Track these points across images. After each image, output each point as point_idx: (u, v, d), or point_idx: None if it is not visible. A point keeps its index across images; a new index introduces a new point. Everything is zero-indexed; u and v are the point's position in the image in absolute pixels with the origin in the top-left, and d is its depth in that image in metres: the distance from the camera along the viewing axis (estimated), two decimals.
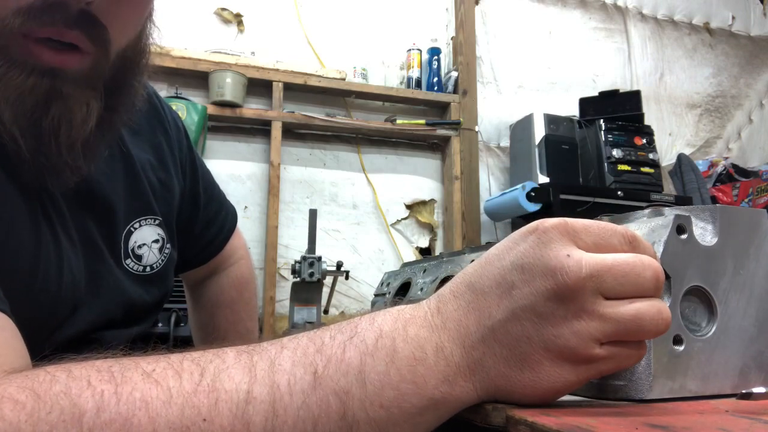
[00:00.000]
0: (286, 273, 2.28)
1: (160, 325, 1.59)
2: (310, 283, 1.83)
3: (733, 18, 3.25)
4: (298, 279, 2.22)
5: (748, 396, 0.37)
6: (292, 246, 2.36)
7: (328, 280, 1.85)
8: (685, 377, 0.41)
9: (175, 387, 0.33)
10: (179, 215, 0.75)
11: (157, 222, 0.68)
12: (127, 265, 0.64)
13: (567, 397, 0.42)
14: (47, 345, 0.49)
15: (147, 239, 0.66)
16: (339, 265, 2.24)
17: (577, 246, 0.36)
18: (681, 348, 0.41)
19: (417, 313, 0.38)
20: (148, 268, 0.67)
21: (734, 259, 0.45)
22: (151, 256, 0.67)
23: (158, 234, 0.68)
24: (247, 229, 2.35)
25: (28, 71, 0.46)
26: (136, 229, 0.65)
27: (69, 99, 0.48)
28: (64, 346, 0.52)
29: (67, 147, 0.49)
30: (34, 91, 0.46)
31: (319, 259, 2.21)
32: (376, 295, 0.90)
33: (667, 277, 0.42)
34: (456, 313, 0.37)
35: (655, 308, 0.35)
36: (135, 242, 0.65)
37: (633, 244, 0.37)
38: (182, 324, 1.63)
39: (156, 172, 0.69)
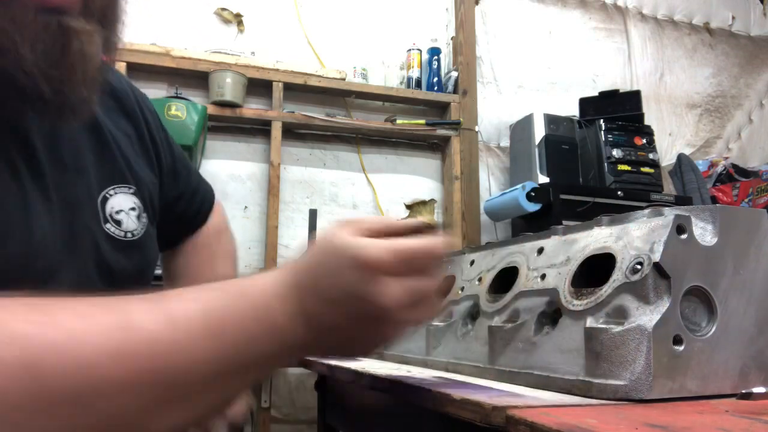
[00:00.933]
0: None
1: None
2: None
3: (733, 18, 3.25)
4: None
5: (748, 396, 0.37)
6: (292, 246, 2.36)
7: None
8: (685, 377, 0.41)
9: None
10: (161, 190, 0.75)
11: (132, 191, 0.67)
12: (108, 229, 0.63)
13: (567, 398, 0.42)
14: None
15: (124, 206, 0.66)
16: None
17: (390, 276, 0.45)
18: (681, 348, 0.41)
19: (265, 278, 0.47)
20: (129, 234, 0.66)
21: (734, 259, 0.45)
22: (131, 222, 0.66)
23: (134, 203, 0.67)
24: (247, 229, 2.35)
25: (36, 10, 0.47)
26: (111, 195, 0.64)
27: (81, 34, 0.49)
28: None
29: (84, 81, 0.51)
30: (48, 29, 0.47)
31: None
32: None
33: (667, 276, 0.42)
34: (294, 277, 0.46)
35: (430, 285, 0.47)
36: (112, 207, 0.64)
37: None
38: None
39: (133, 145, 0.69)
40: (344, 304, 0.45)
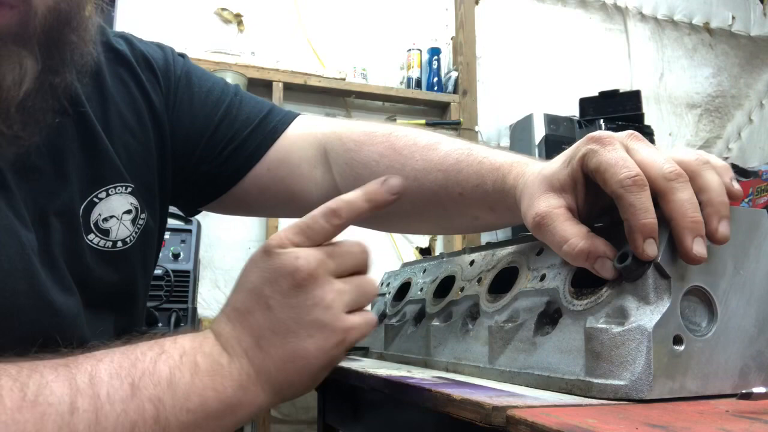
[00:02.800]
0: None
1: (160, 325, 1.59)
2: None
3: (733, 18, 3.25)
4: None
5: (748, 396, 0.37)
6: None
7: None
8: (685, 377, 0.41)
9: None
10: (190, 152, 0.69)
11: (129, 190, 0.61)
12: (90, 240, 0.58)
13: (567, 398, 0.42)
14: (8, 336, 0.47)
15: (116, 210, 0.60)
16: None
17: (299, 247, 0.45)
18: (681, 348, 0.41)
19: (206, 336, 0.45)
20: (119, 243, 0.60)
21: (734, 259, 0.45)
22: (122, 229, 0.61)
23: (130, 203, 0.61)
24: (247, 229, 2.35)
25: None
26: (101, 199, 0.59)
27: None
28: (31, 339, 0.48)
29: (1, 114, 0.46)
30: None
31: None
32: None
33: (667, 277, 0.42)
34: (233, 332, 0.45)
35: (368, 281, 0.47)
36: (100, 214, 0.59)
37: (337, 214, 0.46)
38: (182, 324, 1.63)
39: (131, 130, 0.63)
40: (265, 297, 0.44)
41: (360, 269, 0.47)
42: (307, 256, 0.44)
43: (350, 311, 0.45)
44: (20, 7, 0.46)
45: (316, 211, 0.46)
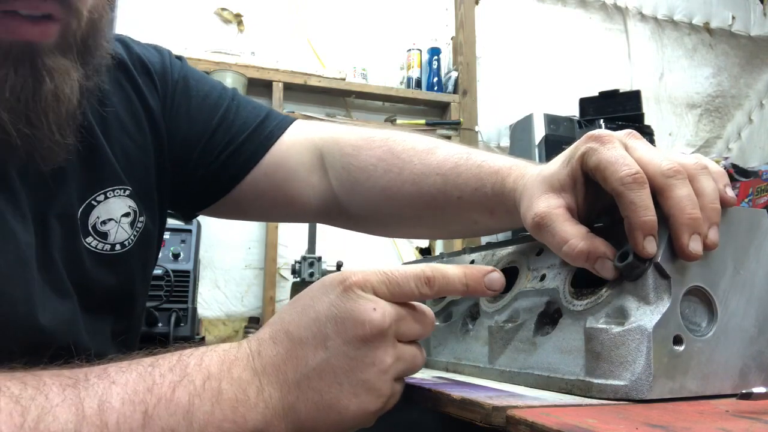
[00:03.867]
0: (286, 273, 2.28)
1: (160, 324, 1.59)
2: (311, 284, 1.83)
3: (733, 18, 3.25)
4: (298, 279, 2.22)
5: (748, 396, 0.37)
6: (292, 246, 2.36)
7: None
8: (685, 377, 0.41)
9: None
10: (186, 156, 0.69)
11: (127, 193, 0.61)
12: (89, 243, 0.58)
13: (567, 398, 0.42)
14: (3, 340, 0.46)
15: (114, 213, 0.60)
16: (339, 265, 2.24)
17: (378, 296, 0.41)
18: (681, 348, 0.41)
19: (241, 354, 0.41)
20: (117, 246, 0.60)
21: (734, 259, 0.45)
22: (121, 232, 0.61)
23: (129, 206, 0.61)
24: (247, 229, 2.35)
25: (6, 51, 0.44)
26: (99, 202, 0.59)
27: (54, 73, 0.46)
28: (26, 343, 0.48)
29: (57, 125, 0.48)
30: (19, 70, 0.44)
31: (319, 259, 2.21)
32: None
33: (668, 277, 0.42)
34: (275, 358, 0.41)
35: (422, 355, 0.45)
36: (98, 218, 0.59)
37: (430, 283, 0.43)
38: (182, 324, 1.63)
39: (129, 134, 0.63)
40: (324, 336, 0.40)
41: (422, 337, 0.45)
42: (383, 311, 0.41)
43: (397, 378, 0.43)
44: (65, 19, 0.47)
45: (410, 272, 0.43)
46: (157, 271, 1.63)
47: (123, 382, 0.37)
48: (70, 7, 0.46)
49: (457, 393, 0.41)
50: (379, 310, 0.40)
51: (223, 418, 0.38)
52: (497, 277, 0.45)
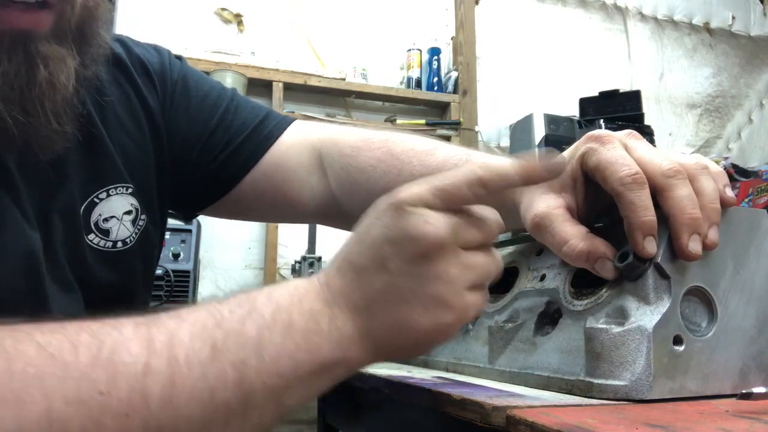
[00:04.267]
0: (286, 273, 2.28)
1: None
2: None
3: (733, 18, 3.25)
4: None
5: (748, 396, 0.37)
6: (292, 246, 2.36)
7: None
8: (685, 377, 0.41)
9: (72, 361, 0.33)
10: (186, 157, 0.68)
11: (129, 191, 0.61)
12: (91, 240, 0.58)
13: (567, 398, 0.42)
14: None
15: (117, 211, 0.60)
16: None
17: (431, 209, 0.39)
18: (681, 348, 0.41)
19: (311, 287, 0.41)
20: (119, 243, 0.60)
21: (734, 259, 0.45)
22: (122, 230, 0.61)
23: (131, 204, 0.62)
24: (247, 229, 2.35)
25: None
26: (102, 199, 0.59)
27: (48, 60, 0.46)
28: None
29: (54, 113, 0.47)
30: (13, 58, 0.44)
31: (319, 259, 2.21)
32: None
33: (668, 277, 0.42)
34: (343, 287, 0.40)
35: (495, 258, 0.42)
36: (100, 215, 0.59)
37: (485, 184, 0.40)
38: None
39: (129, 133, 0.63)
40: (383, 259, 0.39)
41: (488, 242, 0.42)
42: (437, 223, 0.39)
43: (471, 288, 0.41)
44: (59, 5, 0.46)
45: (460, 176, 0.40)
46: (157, 271, 1.63)
47: (192, 320, 0.37)
48: None
49: (457, 393, 0.41)
50: (432, 222, 0.39)
51: (295, 348, 0.37)
52: (561, 157, 0.41)
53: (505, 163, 0.41)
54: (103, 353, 0.34)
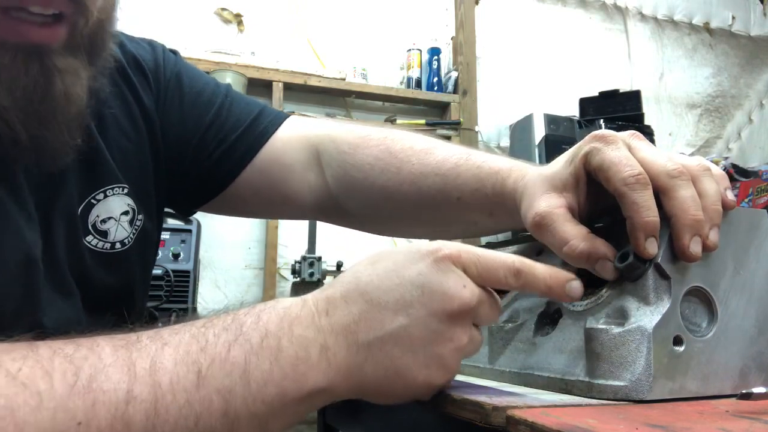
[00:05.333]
0: (286, 273, 2.28)
1: (160, 325, 1.59)
2: (310, 283, 1.84)
3: (733, 18, 3.25)
4: (298, 279, 2.22)
5: (748, 396, 0.37)
6: (292, 246, 2.36)
7: (329, 280, 1.86)
8: (685, 378, 0.41)
9: (46, 390, 0.31)
10: (181, 154, 0.69)
11: (125, 191, 0.61)
12: (89, 242, 0.58)
13: (567, 398, 0.42)
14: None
15: (114, 212, 0.60)
16: (339, 265, 2.24)
17: (467, 275, 0.40)
18: (681, 349, 0.41)
19: (303, 312, 0.39)
20: (117, 245, 0.60)
21: (734, 260, 0.45)
22: (120, 231, 0.60)
23: (127, 205, 0.61)
24: (247, 229, 2.35)
25: (14, 51, 0.44)
26: (99, 201, 0.59)
27: (65, 74, 0.46)
28: None
29: (66, 125, 0.48)
30: (29, 72, 0.44)
31: (319, 259, 2.21)
32: None
33: (668, 277, 0.42)
34: (345, 318, 0.39)
35: (481, 341, 0.44)
36: (98, 216, 0.59)
37: (518, 276, 0.42)
38: None
39: (125, 133, 0.63)
40: (407, 303, 0.38)
41: (487, 325, 0.45)
42: (472, 291, 0.40)
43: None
44: (72, 18, 0.46)
45: (500, 260, 0.42)
46: (157, 271, 1.63)
47: (175, 343, 0.36)
48: (80, 5, 0.46)
49: (457, 393, 0.41)
50: (469, 289, 0.40)
51: (282, 376, 0.37)
52: (577, 286, 0.43)
53: (542, 268, 0.43)
54: (81, 380, 0.32)
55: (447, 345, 0.39)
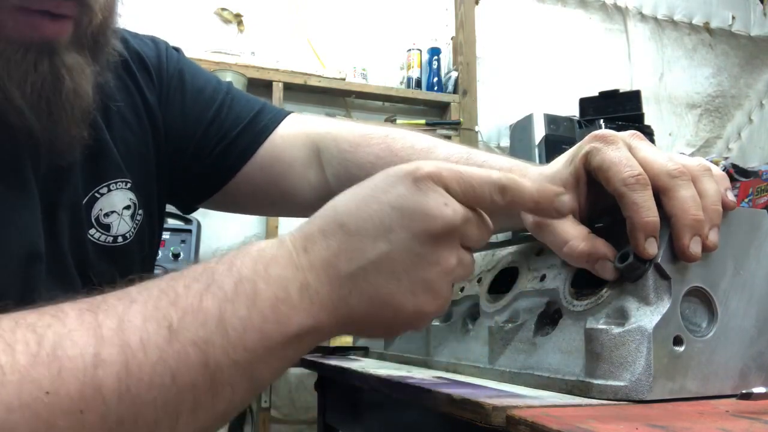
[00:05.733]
0: None
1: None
2: None
3: (733, 18, 3.25)
4: None
5: (748, 396, 0.37)
6: None
7: None
8: (685, 378, 0.41)
9: (8, 362, 0.30)
10: (182, 150, 0.69)
11: (128, 186, 0.62)
12: (92, 235, 0.58)
13: (567, 398, 0.42)
14: None
15: (117, 206, 0.60)
16: None
17: (449, 193, 0.38)
18: (681, 349, 0.41)
19: (280, 252, 0.38)
20: (119, 238, 0.60)
21: (734, 260, 0.45)
22: (122, 225, 0.61)
23: (129, 199, 0.62)
24: (247, 229, 2.35)
25: (25, 48, 0.45)
26: (102, 194, 0.59)
27: (72, 71, 0.47)
28: None
29: (75, 120, 0.49)
30: (38, 69, 0.45)
31: None
32: None
33: (668, 277, 0.42)
34: (326, 252, 0.38)
35: (473, 263, 0.42)
36: (101, 210, 0.59)
37: (504, 192, 0.40)
38: None
39: (130, 127, 0.64)
40: (386, 228, 0.37)
41: (479, 245, 0.42)
42: (455, 209, 0.38)
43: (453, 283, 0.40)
44: (78, 16, 0.47)
45: (486, 177, 0.40)
46: (157, 272, 1.62)
47: (143, 300, 0.34)
48: (85, 5, 0.47)
49: (457, 393, 0.41)
50: (451, 207, 0.38)
51: (262, 320, 0.35)
52: (567, 200, 0.41)
53: (528, 183, 0.41)
54: (44, 349, 0.31)
55: (433, 268, 0.38)
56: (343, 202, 0.40)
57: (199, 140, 0.70)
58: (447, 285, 0.39)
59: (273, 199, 0.75)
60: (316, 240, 0.38)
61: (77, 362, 0.31)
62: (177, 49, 0.73)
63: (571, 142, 0.51)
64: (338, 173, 0.72)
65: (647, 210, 0.42)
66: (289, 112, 0.76)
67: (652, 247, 0.41)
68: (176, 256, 1.77)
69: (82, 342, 0.32)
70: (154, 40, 0.71)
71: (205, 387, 0.34)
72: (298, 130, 0.74)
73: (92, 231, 0.59)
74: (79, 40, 0.48)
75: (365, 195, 0.39)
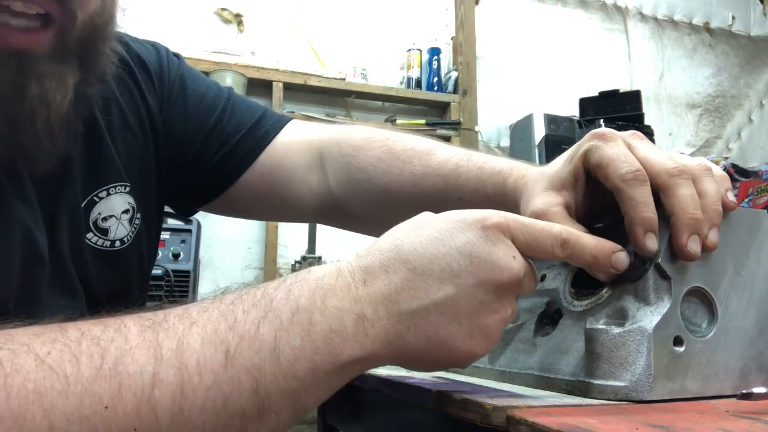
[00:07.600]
0: (286, 273, 2.28)
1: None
2: None
3: (733, 18, 3.25)
4: None
5: (748, 396, 0.37)
6: (292, 246, 2.36)
7: None
8: (685, 378, 0.41)
9: (73, 374, 0.31)
10: (182, 156, 0.69)
11: (127, 189, 0.61)
12: (89, 239, 0.58)
13: (567, 398, 0.42)
14: None
15: (116, 210, 0.60)
16: None
17: (514, 244, 0.40)
18: (681, 349, 0.41)
19: (338, 283, 0.38)
20: (117, 243, 0.60)
21: (734, 260, 0.45)
22: (120, 229, 0.60)
23: (128, 203, 0.61)
24: (247, 229, 2.35)
25: None
26: (101, 198, 0.59)
27: (43, 79, 0.46)
28: None
29: (45, 132, 0.47)
30: (4, 73, 0.44)
31: (319, 259, 2.20)
32: None
33: (668, 278, 0.42)
34: (386, 287, 0.38)
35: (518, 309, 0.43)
36: (99, 214, 0.59)
37: (565, 246, 0.41)
38: None
39: (131, 130, 0.63)
40: (454, 273, 0.38)
41: (526, 296, 0.44)
42: (521, 264, 0.39)
43: None
44: (61, 21, 0.46)
45: (548, 231, 0.41)
46: (157, 271, 1.63)
47: (203, 322, 0.35)
48: (66, 7, 0.46)
49: (457, 393, 0.41)
50: (518, 260, 0.39)
51: (314, 351, 0.35)
52: (623, 257, 0.42)
53: (588, 239, 0.42)
54: (107, 363, 0.32)
55: (493, 316, 0.39)
56: (407, 240, 0.40)
57: (200, 146, 0.70)
58: (499, 332, 0.40)
59: (273, 205, 0.75)
60: (377, 274, 0.38)
61: (136, 380, 0.32)
62: (177, 55, 0.73)
63: (571, 142, 0.51)
64: (340, 177, 0.72)
65: (645, 206, 0.42)
66: (290, 119, 0.76)
67: (651, 242, 0.41)
68: (176, 256, 1.77)
69: (142, 360, 0.32)
70: (155, 46, 0.71)
71: (254, 414, 0.34)
72: (299, 136, 0.74)
73: (89, 235, 0.58)
74: (63, 47, 0.47)
75: (430, 236, 0.39)
